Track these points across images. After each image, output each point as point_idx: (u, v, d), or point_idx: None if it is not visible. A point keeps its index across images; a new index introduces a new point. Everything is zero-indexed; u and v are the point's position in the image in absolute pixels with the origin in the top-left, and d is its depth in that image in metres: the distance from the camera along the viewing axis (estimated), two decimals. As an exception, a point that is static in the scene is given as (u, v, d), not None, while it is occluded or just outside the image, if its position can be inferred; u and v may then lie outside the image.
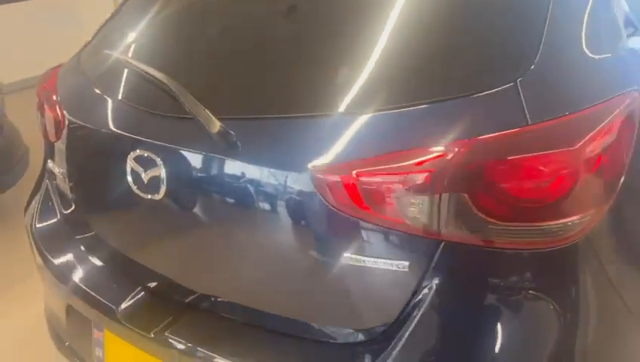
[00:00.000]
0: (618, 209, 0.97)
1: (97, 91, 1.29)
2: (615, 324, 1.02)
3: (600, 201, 0.94)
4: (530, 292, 0.93)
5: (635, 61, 1.12)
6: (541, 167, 0.89)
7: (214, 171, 1.07)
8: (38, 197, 1.56)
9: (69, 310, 1.44)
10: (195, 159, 1.07)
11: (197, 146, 1.06)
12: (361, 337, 1.01)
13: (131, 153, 1.12)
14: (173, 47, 1.29)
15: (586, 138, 0.91)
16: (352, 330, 1.02)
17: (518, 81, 0.92)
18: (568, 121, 0.91)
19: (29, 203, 1.61)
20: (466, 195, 0.89)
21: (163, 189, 1.10)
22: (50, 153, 1.46)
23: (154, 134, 1.10)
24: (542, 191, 0.90)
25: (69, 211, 1.42)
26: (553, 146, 0.89)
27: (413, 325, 0.94)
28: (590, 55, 1.01)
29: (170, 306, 1.20)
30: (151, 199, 1.13)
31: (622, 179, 0.96)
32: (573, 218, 0.91)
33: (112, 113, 1.21)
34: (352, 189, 0.93)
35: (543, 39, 0.95)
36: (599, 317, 0.96)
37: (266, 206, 1.03)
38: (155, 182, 1.11)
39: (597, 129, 0.92)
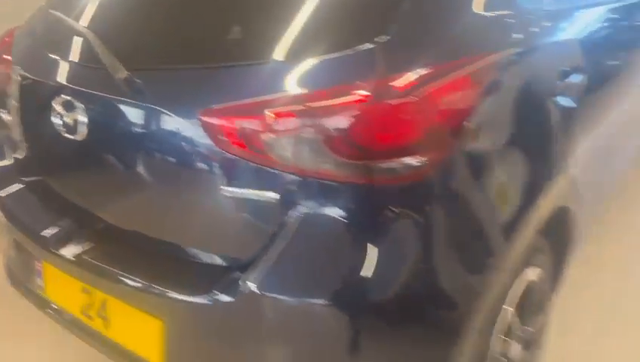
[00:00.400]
0: (461, 153, 1.12)
1: (39, 45, 1.46)
2: (458, 246, 1.16)
3: (442, 146, 1.09)
4: (383, 219, 1.08)
5: (505, 24, 1.26)
6: (389, 116, 1.04)
7: (123, 115, 1.23)
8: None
9: (16, 245, 1.63)
10: (107, 104, 1.24)
11: (109, 92, 1.22)
12: (234, 260, 1.18)
13: (56, 98, 1.29)
14: (98, 3, 1.44)
15: (431, 90, 1.06)
16: (228, 254, 1.20)
17: (375, 39, 1.07)
18: (416, 74, 1.06)
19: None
20: (321, 137, 1.04)
21: (82, 130, 1.27)
22: (1, 103, 1.63)
23: (75, 81, 1.27)
24: (389, 136, 1.05)
25: (15, 155, 1.59)
26: (399, 97, 1.04)
27: (281, 248, 1.10)
28: (453, 15, 1.16)
29: (89, 234, 1.37)
30: (73, 139, 1.30)
31: (464, 129, 1.11)
32: (417, 159, 1.06)
33: (46, 64, 1.38)
34: (229, 131, 1.09)
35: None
36: (446, 240, 1.12)
37: (162, 145, 1.19)
38: (75, 124, 1.28)
39: (442, 83, 1.07)
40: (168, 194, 1.24)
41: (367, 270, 1.07)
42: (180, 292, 1.20)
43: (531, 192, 1.29)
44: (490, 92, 1.18)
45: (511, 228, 1.22)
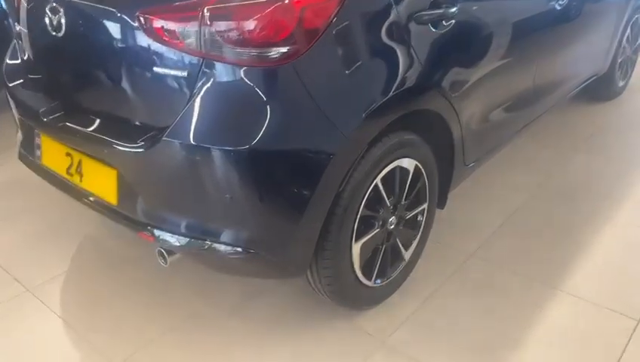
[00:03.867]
0: (322, 47, 1.58)
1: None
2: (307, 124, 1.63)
3: (302, 41, 1.55)
4: (261, 91, 1.55)
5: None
6: (258, 13, 1.51)
7: (88, 15, 1.76)
8: (9, 52, 2.28)
9: (21, 124, 2.17)
10: (79, 8, 1.75)
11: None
12: (161, 121, 1.66)
13: (48, 5, 1.80)
14: None
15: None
16: (157, 118, 1.70)
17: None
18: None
19: (4, 57, 2.33)
20: (214, 29, 1.52)
21: (63, 29, 1.78)
22: (15, 17, 2.15)
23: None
24: (262, 30, 1.52)
25: (24, 55, 2.12)
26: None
27: (189, 112, 1.59)
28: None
29: (69, 110, 1.92)
30: (57, 36, 1.81)
31: (326, 29, 1.57)
32: (283, 49, 1.53)
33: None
34: (158, 25, 1.58)
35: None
36: (291, 114, 1.59)
37: (113, 39, 1.71)
38: (59, 24, 1.79)
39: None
40: (117, 77, 1.75)
41: (252, 126, 1.55)
42: (125, 146, 1.71)
43: (386, 90, 1.74)
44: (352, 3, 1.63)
45: (367, 113, 1.68)
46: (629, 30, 3.83)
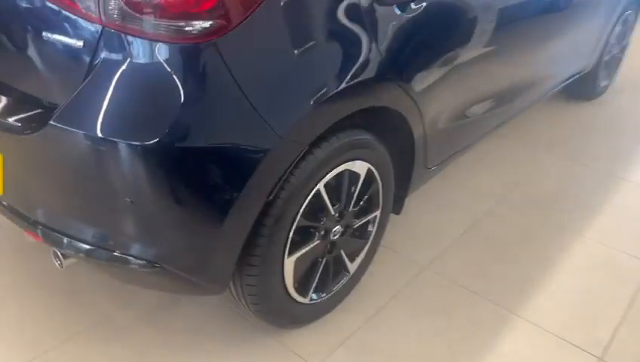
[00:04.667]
0: (256, 24, 1.27)
1: None
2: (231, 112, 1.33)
3: (231, 14, 1.24)
4: (169, 73, 1.25)
5: None
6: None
7: None
8: None
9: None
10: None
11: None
12: (49, 103, 1.36)
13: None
14: None
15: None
16: (46, 98, 1.38)
17: None
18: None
19: None
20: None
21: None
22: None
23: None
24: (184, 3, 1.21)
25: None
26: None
27: (84, 94, 1.28)
28: None
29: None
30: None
31: (262, 2, 1.27)
32: (204, 23, 1.22)
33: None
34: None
35: None
36: (211, 104, 1.28)
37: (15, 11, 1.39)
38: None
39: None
40: (6, 37, 1.41)
41: (159, 116, 1.25)
42: (7, 125, 1.39)
43: (336, 82, 1.45)
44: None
45: (309, 109, 1.39)
46: (618, 27, 3.58)
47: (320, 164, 1.56)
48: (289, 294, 1.69)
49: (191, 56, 1.25)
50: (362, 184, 1.78)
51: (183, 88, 1.25)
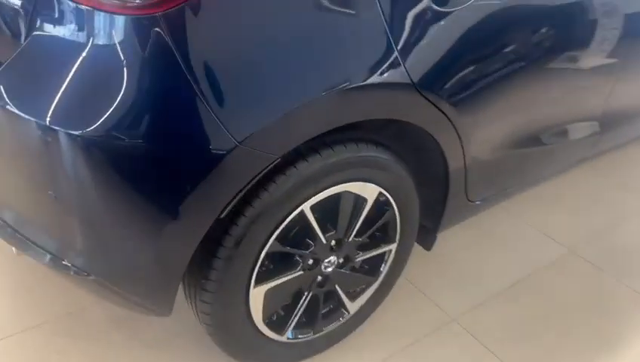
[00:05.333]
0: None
1: None
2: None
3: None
4: (104, 49, 1.03)
5: None
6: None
7: None
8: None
9: None
10: None
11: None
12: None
13: None
14: None
15: None
16: None
17: None
18: None
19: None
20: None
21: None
22: None
23: None
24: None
25: None
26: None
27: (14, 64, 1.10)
28: None
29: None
30: None
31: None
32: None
33: None
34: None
35: None
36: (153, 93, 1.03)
37: None
38: None
39: None
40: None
41: (91, 102, 1.03)
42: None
43: (327, 81, 1.14)
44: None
45: (285, 112, 1.10)
46: None
47: (306, 181, 1.26)
48: (257, 329, 1.42)
49: (130, 30, 1.01)
50: (371, 210, 1.46)
51: (118, 70, 1.01)
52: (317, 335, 1.56)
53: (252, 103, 1.08)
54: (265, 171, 1.17)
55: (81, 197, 1.10)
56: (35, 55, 1.07)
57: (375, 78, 1.20)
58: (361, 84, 1.19)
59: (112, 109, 1.01)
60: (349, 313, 1.61)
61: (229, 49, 1.05)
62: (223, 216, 1.16)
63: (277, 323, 1.47)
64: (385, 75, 1.22)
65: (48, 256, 1.21)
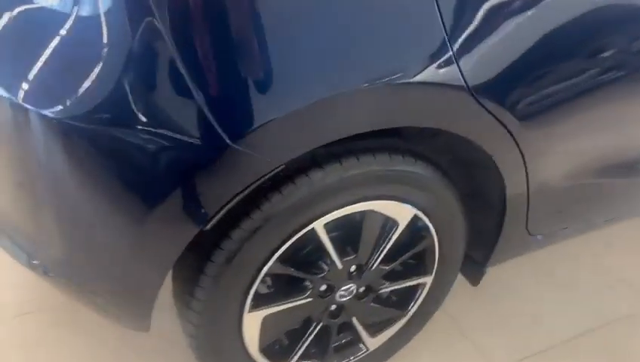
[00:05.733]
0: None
1: None
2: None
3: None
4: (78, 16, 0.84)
5: None
6: None
7: None
8: None
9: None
10: None
11: None
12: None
13: None
14: None
15: None
16: None
17: None
18: None
19: None
20: None
21: None
22: None
23: None
24: None
25: None
26: None
27: None
28: None
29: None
30: None
31: None
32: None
33: None
34: None
35: None
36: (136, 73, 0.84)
37: None
38: None
39: None
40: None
41: (68, 79, 0.86)
42: None
43: (357, 73, 0.90)
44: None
45: (290, 109, 0.88)
46: None
47: (320, 194, 1.04)
48: (250, 357, 1.21)
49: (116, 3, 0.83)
50: (402, 235, 1.21)
51: (93, 45, 0.83)
52: (325, 369, 1.34)
53: (253, 98, 0.86)
54: (261, 181, 0.95)
55: (48, 188, 0.93)
56: (13, 24, 0.91)
57: (422, 76, 0.95)
58: (403, 81, 0.94)
59: (90, 90, 0.83)
60: (367, 349, 1.37)
61: (232, 23, 0.84)
62: (207, 227, 0.96)
63: (278, 352, 1.26)
64: (433, 73, 0.96)
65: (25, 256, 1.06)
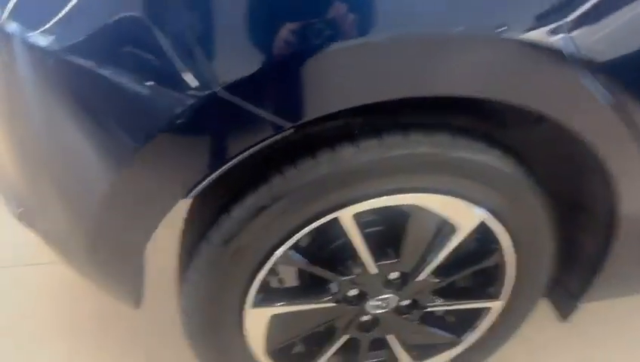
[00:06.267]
0: None
1: None
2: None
3: None
4: None
5: None
6: None
7: None
8: None
9: None
10: None
11: None
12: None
13: None
14: None
15: None
16: None
17: None
18: None
19: None
20: None
21: None
22: None
23: None
24: None
25: None
26: None
27: None
28: None
29: None
30: None
31: None
32: None
33: None
34: None
35: None
36: None
37: None
38: None
39: None
40: None
41: None
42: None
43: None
44: None
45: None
46: None
47: (348, 176, 0.80)
48: (254, 358, 1.01)
49: None
50: (464, 245, 0.93)
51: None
52: (352, 391, 1.11)
53: (256, 22, 0.64)
54: (262, 144, 0.73)
55: (16, 124, 0.79)
56: None
57: (533, 35, 0.67)
58: (507, 36, 0.66)
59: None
60: (406, 374, 1.12)
61: None
62: (189, 196, 0.76)
63: (291, 358, 1.05)
64: (545, 35, 0.68)
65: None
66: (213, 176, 0.73)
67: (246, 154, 0.72)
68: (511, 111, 0.79)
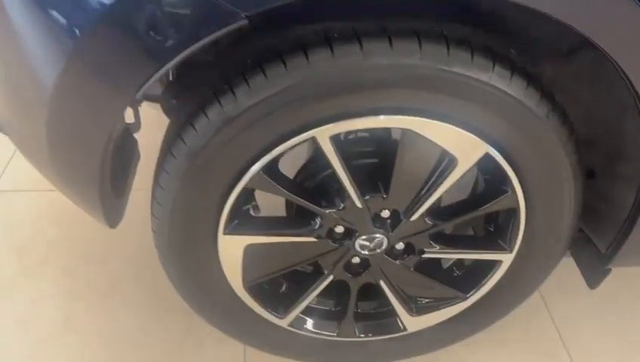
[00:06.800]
0: None
1: None
2: None
3: None
4: None
5: None
6: None
7: None
8: None
9: None
10: None
11: None
12: None
13: None
14: None
15: None
16: None
17: None
18: None
19: None
20: None
21: None
22: None
23: None
24: None
25: None
26: None
27: None
28: None
29: None
30: None
31: None
32: None
33: None
34: None
35: None
36: None
37: None
38: None
39: None
40: None
41: None
42: None
43: None
44: None
45: None
46: None
47: (324, 88, 0.70)
48: (233, 292, 0.94)
49: None
50: (466, 181, 0.81)
51: None
52: (343, 339, 1.02)
53: None
54: (214, 37, 0.63)
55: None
56: None
57: None
58: None
59: None
60: (404, 329, 1.02)
61: None
62: (137, 95, 0.68)
63: (276, 297, 0.97)
64: None
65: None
66: (161, 72, 0.65)
67: (193, 48, 0.63)
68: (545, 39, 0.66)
